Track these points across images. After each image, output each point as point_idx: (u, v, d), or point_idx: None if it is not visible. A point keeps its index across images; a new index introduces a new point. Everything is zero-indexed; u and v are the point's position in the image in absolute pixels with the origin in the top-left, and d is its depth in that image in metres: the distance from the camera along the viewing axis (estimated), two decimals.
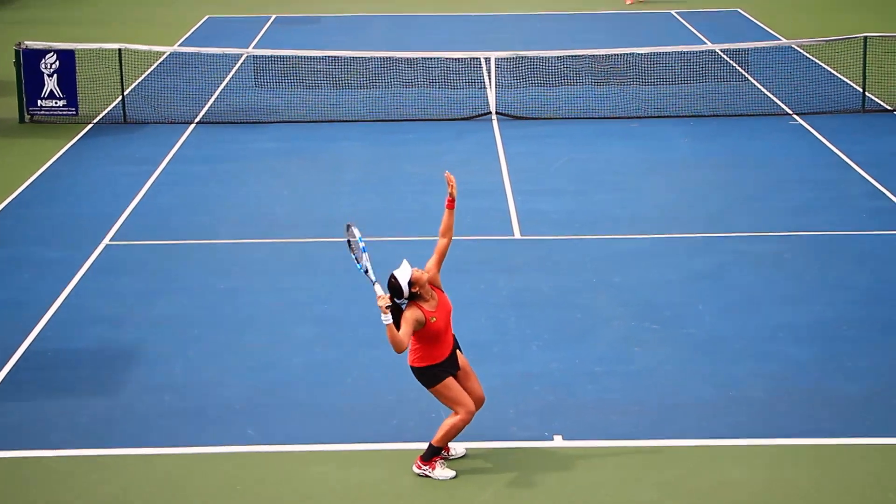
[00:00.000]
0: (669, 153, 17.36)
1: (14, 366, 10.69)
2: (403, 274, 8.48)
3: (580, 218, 14.65)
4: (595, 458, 9.03)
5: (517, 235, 14.14)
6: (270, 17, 28.55)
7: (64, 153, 17.66)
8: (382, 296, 8.37)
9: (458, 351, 8.88)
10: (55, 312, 11.88)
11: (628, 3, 30.02)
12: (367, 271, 8.61)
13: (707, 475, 8.79)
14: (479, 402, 8.96)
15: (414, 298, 8.56)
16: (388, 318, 8.30)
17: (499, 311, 11.92)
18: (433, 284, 8.73)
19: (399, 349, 8.38)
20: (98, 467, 8.98)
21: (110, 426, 9.58)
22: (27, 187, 16.04)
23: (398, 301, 8.55)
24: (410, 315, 8.48)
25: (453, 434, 8.73)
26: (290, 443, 9.27)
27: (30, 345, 11.13)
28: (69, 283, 12.64)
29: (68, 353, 10.98)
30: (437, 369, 8.68)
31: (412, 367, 8.76)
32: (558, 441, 9.27)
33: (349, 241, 8.89)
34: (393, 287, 8.50)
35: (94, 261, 13.32)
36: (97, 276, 12.90)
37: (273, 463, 9.02)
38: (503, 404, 9.86)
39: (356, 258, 8.79)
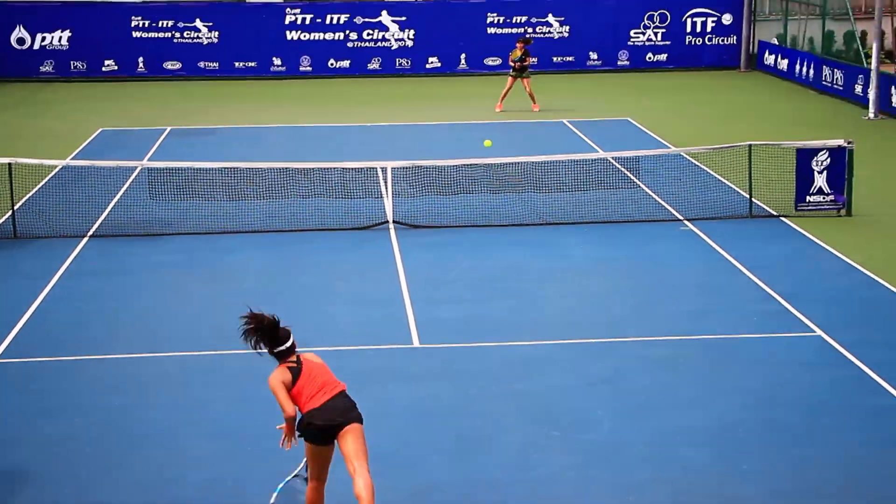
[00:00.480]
0: (565, 259, 17.59)
1: None
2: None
3: (480, 325, 14.71)
4: None
5: (416, 344, 14.13)
6: (165, 129, 28.50)
7: None
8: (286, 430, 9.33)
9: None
10: None
11: (535, 109, 30.64)
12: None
13: None
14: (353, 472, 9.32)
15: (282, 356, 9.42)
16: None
17: (398, 421, 11.84)
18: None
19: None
20: None
21: None
22: None
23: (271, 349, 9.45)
24: (273, 379, 9.35)
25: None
26: None
27: None
28: None
29: None
30: (302, 429, 9.29)
31: (353, 401, 9.47)
32: None
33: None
34: (270, 325, 9.54)
35: None
36: None
37: None
38: None
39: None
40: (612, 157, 22.08)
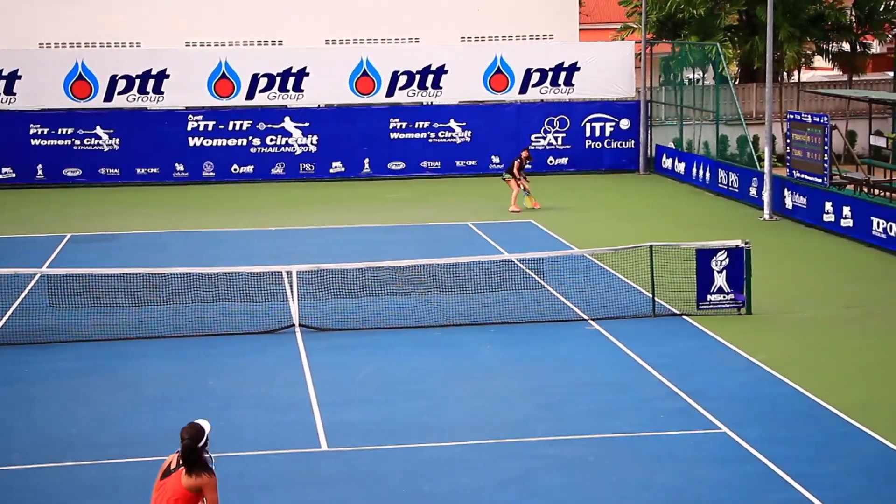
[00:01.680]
0: (472, 360, 17.60)
1: None
2: (206, 424, 9.19)
3: (388, 427, 14.59)
4: None
5: (324, 447, 13.96)
6: (66, 235, 28.11)
7: None
8: None
9: None
10: None
11: (511, 209, 31.20)
12: None
13: None
14: None
15: (203, 451, 9.10)
16: None
17: None
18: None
19: None
20: None
21: None
22: None
23: (198, 444, 9.06)
24: (215, 481, 9.01)
25: None
26: None
27: None
28: None
29: None
30: None
31: None
32: None
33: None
34: (195, 431, 9.09)
35: None
36: None
37: None
38: None
39: None
40: (517, 259, 22.28)
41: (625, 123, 38.64)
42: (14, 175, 36.24)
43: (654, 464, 13.33)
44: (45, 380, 16.75)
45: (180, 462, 9.09)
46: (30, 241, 27.69)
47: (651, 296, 20.31)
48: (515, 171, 31.44)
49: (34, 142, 36.25)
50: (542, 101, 38.50)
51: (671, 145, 38.25)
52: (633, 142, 38.71)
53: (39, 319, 19.60)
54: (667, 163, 37.75)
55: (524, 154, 32.18)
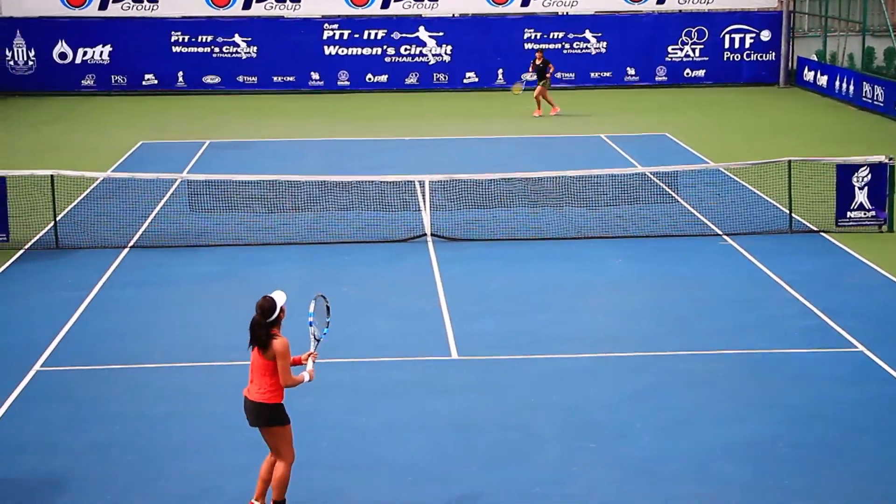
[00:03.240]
0: (603, 274, 17.54)
1: None
2: (280, 297, 9.62)
3: (517, 338, 14.69)
4: None
5: (454, 356, 14.13)
6: (205, 142, 28.68)
7: None
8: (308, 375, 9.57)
9: None
10: None
11: (537, 115, 31.49)
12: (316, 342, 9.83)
13: None
14: None
15: (275, 324, 9.58)
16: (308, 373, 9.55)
17: (437, 433, 11.84)
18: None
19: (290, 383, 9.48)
20: None
21: None
22: None
23: (267, 319, 9.52)
24: (284, 347, 9.50)
25: (287, 481, 9.50)
26: None
27: None
28: None
29: None
30: (284, 408, 9.58)
31: (264, 405, 9.45)
32: None
33: (318, 306, 9.86)
34: (268, 305, 9.56)
35: (25, 388, 13.07)
36: (27, 403, 12.65)
37: None
38: None
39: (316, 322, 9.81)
40: (651, 172, 22.03)
41: (766, 35, 37.58)
42: (156, 82, 37.01)
43: (787, 381, 13.18)
44: (184, 282, 17.24)
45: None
46: (171, 146, 28.35)
47: (788, 212, 19.92)
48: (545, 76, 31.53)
49: (175, 49, 36.90)
50: (680, 11, 37.65)
51: (814, 58, 37.12)
52: (773, 54, 37.67)
53: (180, 224, 20.13)
54: (808, 76, 36.68)
55: (539, 56, 31.82)
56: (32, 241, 19.39)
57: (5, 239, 19.20)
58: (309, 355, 9.85)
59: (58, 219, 19.58)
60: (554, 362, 13.85)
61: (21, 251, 18.90)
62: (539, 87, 31.72)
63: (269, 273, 17.72)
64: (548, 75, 31.70)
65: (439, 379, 13.38)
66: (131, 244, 19.18)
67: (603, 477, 10.75)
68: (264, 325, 9.55)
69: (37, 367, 13.72)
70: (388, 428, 11.94)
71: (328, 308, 10.03)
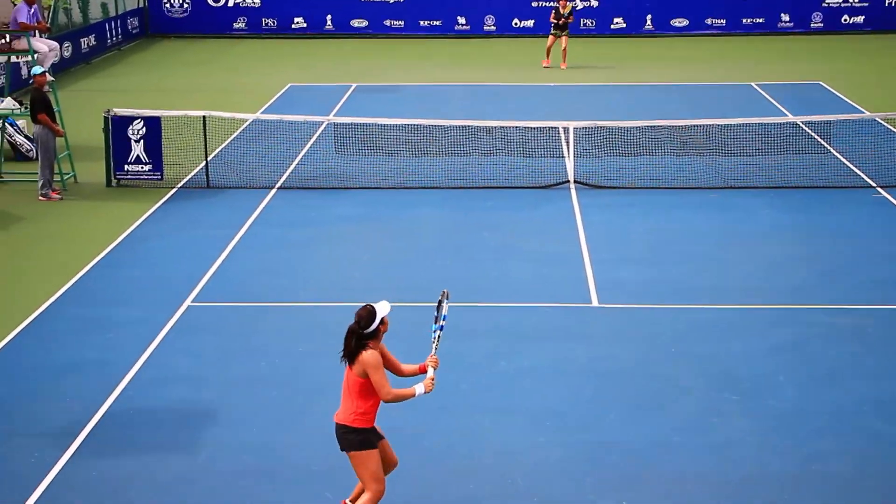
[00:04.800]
0: (749, 224, 17.24)
1: (96, 424, 10.84)
2: (382, 309, 8.57)
3: (658, 287, 14.57)
4: None
5: (595, 303, 14.10)
6: (351, 85, 28.97)
7: (149, 217, 17.99)
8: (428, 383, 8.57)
9: None
10: (137, 372, 12.05)
11: (545, 65, 31.27)
12: (436, 340, 8.80)
13: None
14: (393, 466, 8.84)
15: (371, 337, 8.53)
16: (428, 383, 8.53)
17: (576, 380, 11.86)
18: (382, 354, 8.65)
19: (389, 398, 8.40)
20: None
21: (189, 485, 9.65)
22: (113, 249, 16.35)
23: (362, 330, 8.50)
24: (375, 359, 8.41)
25: None
26: None
27: (112, 403, 11.29)
28: (151, 343, 12.82)
29: (149, 411, 11.12)
30: (370, 434, 8.51)
31: (346, 427, 8.42)
32: None
33: (441, 303, 8.88)
34: (366, 314, 8.52)
35: (177, 322, 13.50)
36: (179, 336, 13.08)
37: None
38: (580, 472, 9.78)
39: (438, 318, 8.82)
40: (802, 122, 21.49)
41: None
42: (305, 25, 37.45)
43: None
44: (330, 223, 17.52)
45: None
46: (318, 89, 28.71)
47: None
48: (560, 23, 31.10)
49: None
50: None
51: None
52: None
53: (325, 166, 20.43)
54: None
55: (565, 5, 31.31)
56: (185, 180, 19.93)
57: (160, 178, 19.77)
58: (430, 361, 8.74)
59: (209, 159, 20.06)
60: (695, 312, 13.71)
61: (174, 190, 19.45)
62: (565, 39, 31.25)
63: (413, 216, 17.89)
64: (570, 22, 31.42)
65: (579, 326, 13.38)
66: (279, 185, 19.56)
67: (744, 428, 10.64)
68: (358, 336, 8.50)
69: (188, 301, 14.15)
70: (528, 373, 12.01)
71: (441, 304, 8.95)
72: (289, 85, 29.10)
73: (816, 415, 10.94)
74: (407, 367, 8.87)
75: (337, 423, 8.50)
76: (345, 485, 9.56)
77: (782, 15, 36.56)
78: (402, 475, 9.55)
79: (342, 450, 8.59)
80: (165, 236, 16.98)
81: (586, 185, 19.30)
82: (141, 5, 37.54)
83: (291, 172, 20.28)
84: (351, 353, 8.48)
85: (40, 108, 18.79)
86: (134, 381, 11.82)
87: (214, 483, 9.67)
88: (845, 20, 36.48)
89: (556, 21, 31.45)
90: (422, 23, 37.28)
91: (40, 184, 18.99)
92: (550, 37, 31.65)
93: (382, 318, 8.55)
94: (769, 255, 15.88)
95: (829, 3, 36.20)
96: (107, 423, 10.84)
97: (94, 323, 13.51)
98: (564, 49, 31.31)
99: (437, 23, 37.28)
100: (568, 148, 20.24)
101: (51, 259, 15.94)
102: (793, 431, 10.58)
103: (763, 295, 14.25)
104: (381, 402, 8.55)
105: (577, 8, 36.51)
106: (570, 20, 31.46)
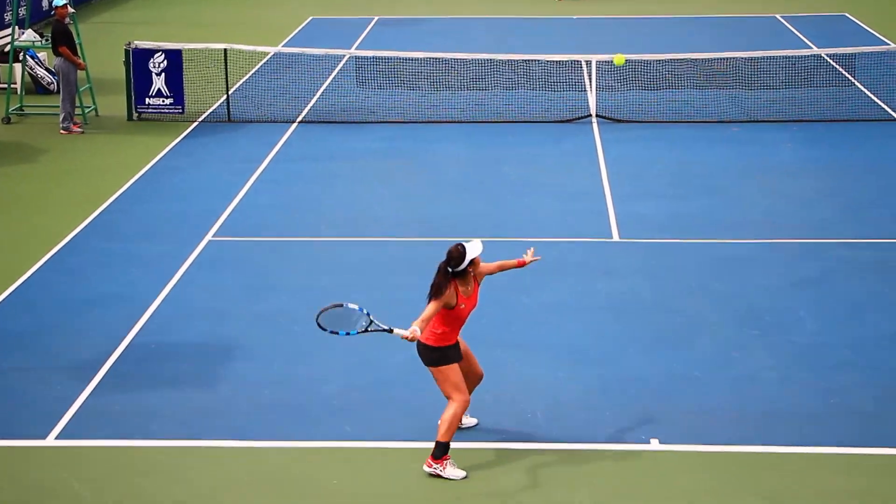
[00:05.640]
0: (772, 158, 17.12)
1: (118, 357, 10.92)
2: (473, 250, 8.73)
3: (680, 222, 14.51)
4: (692, 464, 8.95)
5: (616, 238, 14.06)
6: (373, 18, 28.77)
7: (170, 150, 17.99)
8: (408, 336, 8.58)
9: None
10: (159, 306, 12.11)
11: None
12: (368, 326, 8.78)
13: (809, 483, 8.65)
14: (478, 379, 9.27)
15: (461, 276, 8.74)
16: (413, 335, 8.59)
17: (597, 315, 11.86)
18: (478, 278, 8.97)
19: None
20: (198, 459, 9.14)
21: (210, 419, 9.74)
22: (134, 183, 16.38)
23: (452, 269, 8.69)
24: (444, 300, 8.66)
25: (456, 424, 8.81)
26: (389, 439, 9.34)
27: (134, 337, 11.36)
28: (173, 277, 12.87)
29: (171, 346, 11.19)
30: (449, 351, 8.86)
31: (423, 345, 8.82)
32: (655, 445, 9.20)
33: (323, 322, 8.84)
34: (457, 254, 8.69)
35: (198, 256, 13.55)
36: (200, 271, 13.13)
37: (371, 459, 9.09)
38: (600, 407, 9.82)
39: (343, 329, 8.80)
40: (826, 54, 21.24)
41: None
42: None
43: None
44: (351, 158, 17.49)
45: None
46: (340, 22, 28.53)
47: None
48: None
49: None
50: None
51: None
52: None
53: (347, 100, 20.36)
54: None
55: None
56: (206, 113, 19.90)
57: (181, 111, 19.75)
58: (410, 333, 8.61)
59: (230, 92, 20.01)
60: (717, 247, 13.66)
61: (195, 123, 19.44)
62: None
63: (435, 150, 17.83)
64: None
65: (601, 261, 13.36)
66: (300, 119, 19.51)
67: (764, 364, 10.64)
68: (445, 273, 8.66)
69: (209, 236, 14.19)
70: (549, 308, 12.02)
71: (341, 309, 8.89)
72: (310, 18, 28.93)
73: (837, 349, 10.92)
74: (507, 262, 9.38)
75: (418, 342, 8.78)
76: (364, 418, 9.63)
77: None
78: (423, 409, 9.62)
79: (424, 365, 8.92)
80: (186, 171, 16.99)
81: (608, 118, 19.17)
82: None
83: (313, 106, 20.22)
84: (439, 289, 8.64)
85: (61, 40, 18.75)
86: (155, 315, 11.88)
87: (235, 417, 9.75)
88: None
89: None
90: None
91: (62, 117, 19.01)
92: None
93: (473, 259, 8.72)
94: (792, 189, 15.78)
95: None
96: (128, 357, 10.92)
97: (116, 257, 13.57)
98: None
99: None
100: (590, 81, 20.09)
101: (72, 193, 15.99)
102: (813, 366, 10.58)
103: (785, 230, 14.18)
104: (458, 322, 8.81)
105: None
106: None
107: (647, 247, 13.75)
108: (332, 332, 8.85)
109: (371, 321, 8.86)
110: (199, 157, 17.61)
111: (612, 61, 18.97)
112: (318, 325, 8.89)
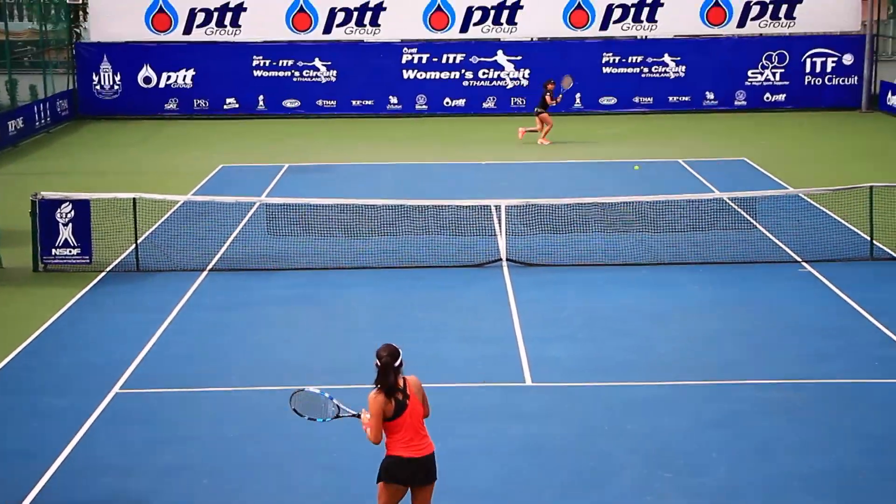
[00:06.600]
0: (680, 300, 17.39)
1: None
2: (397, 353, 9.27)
3: (593, 365, 14.61)
4: None
5: (529, 382, 14.09)
6: (283, 165, 28.99)
7: (76, 301, 17.74)
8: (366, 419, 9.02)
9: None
10: (63, 462, 11.79)
11: (520, 136, 31.62)
12: (339, 412, 9.19)
13: None
14: None
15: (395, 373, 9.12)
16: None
17: (511, 459, 11.80)
18: (413, 389, 9.25)
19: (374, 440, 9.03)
20: None
21: None
22: (39, 335, 16.08)
23: (395, 364, 9.13)
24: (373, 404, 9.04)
25: None
26: None
27: (36, 496, 11.02)
28: (78, 432, 12.57)
29: None
30: (385, 462, 9.04)
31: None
32: None
33: (299, 409, 9.25)
34: (394, 349, 9.23)
35: (104, 409, 13.27)
36: (106, 425, 12.84)
37: None
38: None
39: (320, 416, 9.22)
40: (728, 198, 21.81)
41: (848, 59, 37.13)
42: (237, 105, 37.53)
43: (868, 412, 12.94)
44: (262, 306, 17.40)
45: (398, 386, 9.17)
46: (251, 170, 28.68)
47: (869, 239, 19.60)
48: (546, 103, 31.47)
49: (256, 73, 37.39)
50: (760, 35, 37.35)
51: None
52: (855, 78, 37.18)
53: (258, 247, 20.34)
54: (892, 100, 36.13)
55: (550, 86, 31.63)
56: (114, 263, 19.72)
57: (88, 261, 19.55)
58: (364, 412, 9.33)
59: (139, 241, 19.89)
60: (629, 390, 13.74)
61: (103, 273, 19.23)
62: (546, 115, 31.73)
63: (347, 296, 17.83)
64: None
65: (513, 405, 13.34)
66: (210, 267, 19.42)
67: None
68: (394, 369, 9.19)
69: (116, 388, 13.93)
70: (462, 453, 11.93)
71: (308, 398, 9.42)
72: (220, 166, 29.05)
73: (749, 490, 10.96)
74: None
75: (430, 454, 9.08)
76: None
77: (707, 93, 37.29)
78: None
79: (432, 483, 9.20)
80: (93, 322, 16.75)
81: (518, 262, 19.39)
82: (70, 87, 37.40)
83: (223, 254, 20.15)
84: (395, 386, 9.20)
85: None
86: (58, 472, 11.55)
87: None
88: (767, 98, 37.30)
89: (554, 102, 31.71)
90: (354, 102, 37.52)
91: None
92: (546, 116, 31.72)
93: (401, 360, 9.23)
94: (700, 330, 16.01)
95: (751, 83, 37.00)
96: None
97: (17, 412, 13.23)
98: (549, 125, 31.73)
99: (370, 102, 37.55)
100: (500, 225, 20.35)
101: None
102: None
103: (695, 371, 14.33)
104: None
105: (514, 86, 37.11)
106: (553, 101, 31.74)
107: (560, 390, 13.78)
108: (310, 419, 9.24)
109: (339, 407, 9.20)
110: (107, 308, 17.39)
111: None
112: (295, 411, 9.18)
